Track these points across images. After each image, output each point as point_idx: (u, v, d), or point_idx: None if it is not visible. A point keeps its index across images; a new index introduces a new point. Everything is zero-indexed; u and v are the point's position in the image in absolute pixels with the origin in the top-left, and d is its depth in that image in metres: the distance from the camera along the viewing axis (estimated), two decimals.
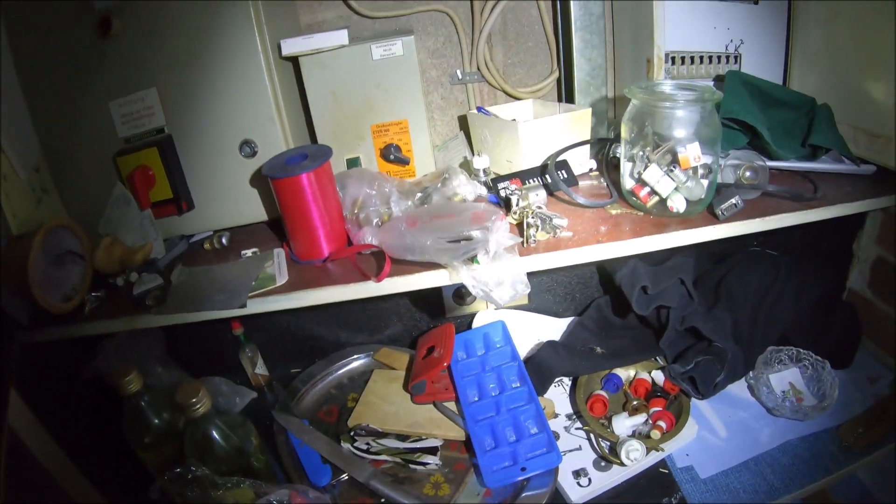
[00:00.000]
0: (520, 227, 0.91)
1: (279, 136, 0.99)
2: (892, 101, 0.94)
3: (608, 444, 1.04)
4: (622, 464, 0.99)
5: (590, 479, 1.00)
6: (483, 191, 1.01)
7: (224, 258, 1.02)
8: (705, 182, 0.90)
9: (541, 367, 1.11)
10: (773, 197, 0.95)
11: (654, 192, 0.93)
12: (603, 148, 1.10)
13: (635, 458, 0.98)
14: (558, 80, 1.24)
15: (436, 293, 1.27)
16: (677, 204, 0.91)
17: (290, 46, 1.00)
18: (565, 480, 1.00)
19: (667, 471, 1.02)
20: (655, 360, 1.17)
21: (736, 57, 1.15)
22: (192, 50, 0.98)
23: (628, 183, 0.97)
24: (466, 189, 0.97)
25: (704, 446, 1.05)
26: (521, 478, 0.95)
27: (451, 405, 1.08)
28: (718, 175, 0.92)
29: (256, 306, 0.89)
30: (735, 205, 0.90)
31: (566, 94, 1.21)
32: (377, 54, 1.01)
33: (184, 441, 0.96)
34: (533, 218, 0.90)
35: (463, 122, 1.27)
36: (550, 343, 1.16)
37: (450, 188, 0.96)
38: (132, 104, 1.02)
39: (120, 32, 0.98)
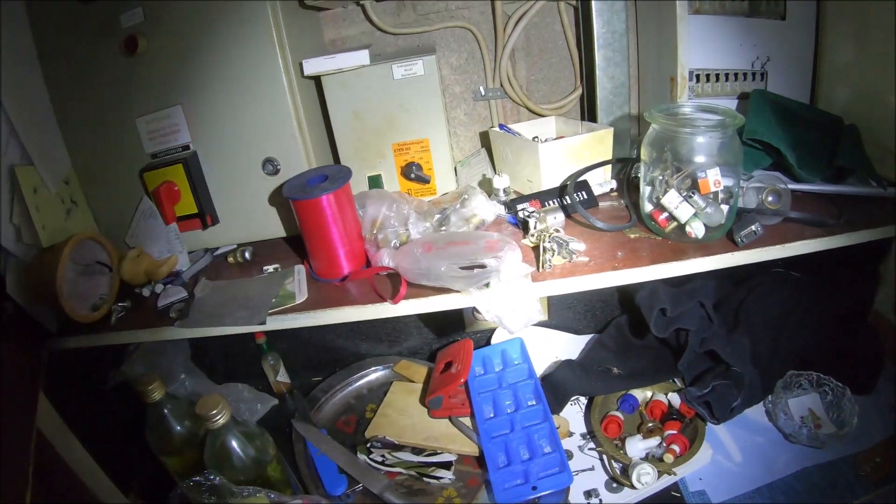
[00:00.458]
0: (536, 251, 0.92)
1: (301, 154, 1.02)
2: None
3: (620, 465, 1.05)
4: (633, 486, 1.00)
5: (601, 501, 1.02)
6: (502, 211, 1.02)
7: (247, 272, 1.06)
8: (725, 207, 0.90)
9: (557, 387, 1.12)
10: (796, 222, 0.93)
11: (672, 218, 0.93)
12: (624, 168, 1.11)
13: (646, 483, 0.99)
14: (581, 97, 1.24)
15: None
16: (696, 230, 0.91)
17: (312, 66, 1.03)
18: (576, 500, 1.02)
19: (679, 494, 1.02)
20: (672, 381, 1.18)
21: (762, 74, 1.14)
22: (217, 69, 1.02)
23: (647, 207, 0.97)
24: (485, 210, 0.99)
25: (718, 471, 1.06)
26: (532, 497, 0.97)
27: (467, 420, 1.11)
28: (740, 198, 0.92)
29: (276, 323, 0.92)
30: (754, 232, 0.90)
31: (589, 111, 1.21)
32: (398, 74, 1.04)
33: (204, 450, 0.99)
34: (549, 242, 0.91)
35: (485, 139, 1.29)
36: (568, 362, 1.18)
37: (469, 209, 0.98)
38: (158, 121, 1.06)
39: (146, 51, 1.02)
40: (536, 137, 1.16)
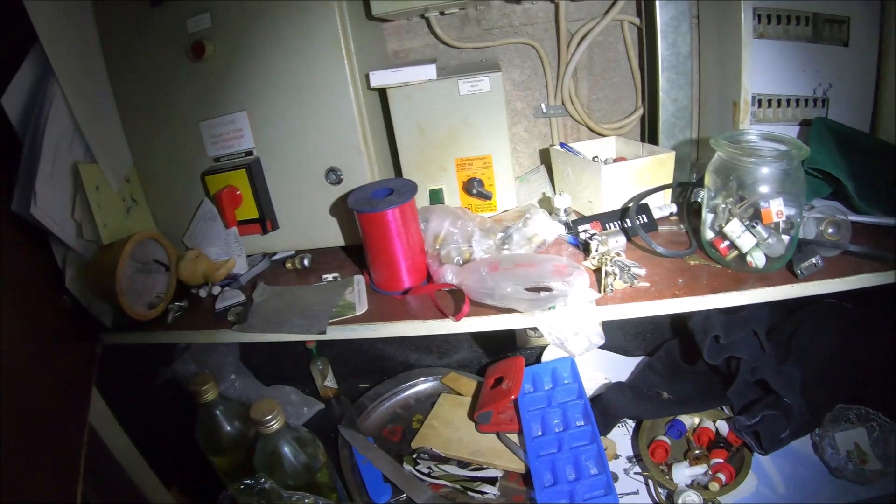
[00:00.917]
0: (597, 273, 0.93)
1: (365, 166, 1.04)
2: None
3: (666, 491, 1.06)
4: None
5: None
6: (562, 230, 1.03)
7: (304, 279, 1.08)
8: (786, 238, 0.91)
9: (606, 408, 1.14)
10: (855, 255, 0.94)
11: (734, 246, 0.94)
12: (684, 192, 1.12)
13: None
14: (642, 118, 1.25)
15: None
16: (757, 260, 0.92)
17: (379, 78, 1.04)
18: None
19: None
20: (721, 409, 1.18)
21: (824, 101, 1.14)
22: (283, 77, 1.04)
23: (709, 234, 0.98)
24: (547, 230, 1.00)
25: (762, 501, 1.06)
26: None
27: (514, 437, 1.12)
28: (800, 229, 0.92)
29: (335, 333, 0.95)
30: (815, 265, 0.90)
31: (649, 133, 1.22)
32: (464, 89, 1.05)
33: (254, 453, 1.01)
34: (612, 266, 0.92)
35: (545, 156, 1.30)
36: (619, 384, 1.19)
37: (530, 228, 1.00)
38: (222, 126, 1.08)
39: (212, 56, 1.03)
40: (596, 157, 1.17)
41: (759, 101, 1.12)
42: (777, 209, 0.90)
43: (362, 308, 0.96)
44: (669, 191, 1.12)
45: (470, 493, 1.08)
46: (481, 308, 0.92)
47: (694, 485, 1.07)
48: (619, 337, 1.35)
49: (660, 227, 1.09)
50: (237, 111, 1.07)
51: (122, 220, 1.13)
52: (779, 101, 1.14)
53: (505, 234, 1.00)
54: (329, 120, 1.04)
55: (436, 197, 1.12)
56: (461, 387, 1.27)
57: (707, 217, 0.99)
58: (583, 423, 1.13)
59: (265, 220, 1.09)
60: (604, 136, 1.26)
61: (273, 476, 0.98)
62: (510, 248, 0.99)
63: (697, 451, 1.13)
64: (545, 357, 1.29)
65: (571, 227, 1.05)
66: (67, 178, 1.06)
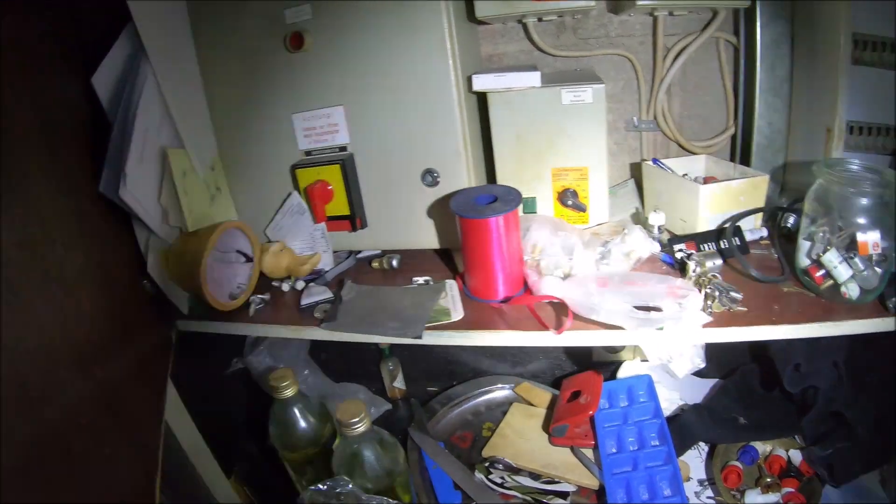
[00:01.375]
0: None
1: (463, 170, 1.05)
2: None
3: None
4: None
5: None
6: (657, 248, 1.03)
7: (391, 280, 1.09)
8: (879, 270, 0.91)
9: (683, 430, 1.15)
10: None
11: (829, 276, 0.94)
12: (775, 216, 1.12)
13: None
14: (732, 138, 1.25)
15: None
16: (851, 291, 0.93)
17: (482, 82, 1.05)
18: None
19: None
20: (794, 438, 1.19)
21: None
22: (384, 73, 1.04)
23: (804, 261, 0.98)
24: (643, 247, 1.00)
25: None
26: None
27: (588, 453, 1.12)
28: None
29: (430, 339, 0.95)
30: None
31: (741, 153, 1.22)
32: (567, 99, 1.05)
33: (334, 454, 1.02)
34: (711, 288, 0.92)
35: (633, 170, 1.30)
36: (696, 407, 1.20)
37: (628, 244, 0.99)
38: (316, 119, 1.08)
39: (311, 48, 1.03)
40: (686, 175, 1.17)
41: (852, 127, 1.12)
42: (874, 241, 0.91)
43: (458, 314, 0.97)
44: (760, 214, 1.13)
45: None
46: (581, 323, 0.92)
47: None
48: None
49: (751, 251, 1.09)
50: (333, 105, 1.07)
51: (206, 208, 1.14)
52: (869, 130, 1.14)
53: (605, 249, 1.00)
54: (429, 121, 1.04)
55: (530, 206, 1.12)
56: (534, 397, 1.28)
57: (803, 244, 0.99)
58: (658, 444, 1.13)
59: (355, 218, 1.10)
60: (693, 153, 1.26)
61: (352, 478, 0.99)
62: (608, 264, 0.99)
63: (769, 479, 1.14)
64: (621, 373, 1.30)
65: (665, 245, 1.05)
66: (155, 163, 1.07)
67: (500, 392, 1.36)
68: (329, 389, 1.30)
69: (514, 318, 0.96)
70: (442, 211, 1.08)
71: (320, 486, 0.97)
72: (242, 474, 1.26)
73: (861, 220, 0.91)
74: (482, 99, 1.10)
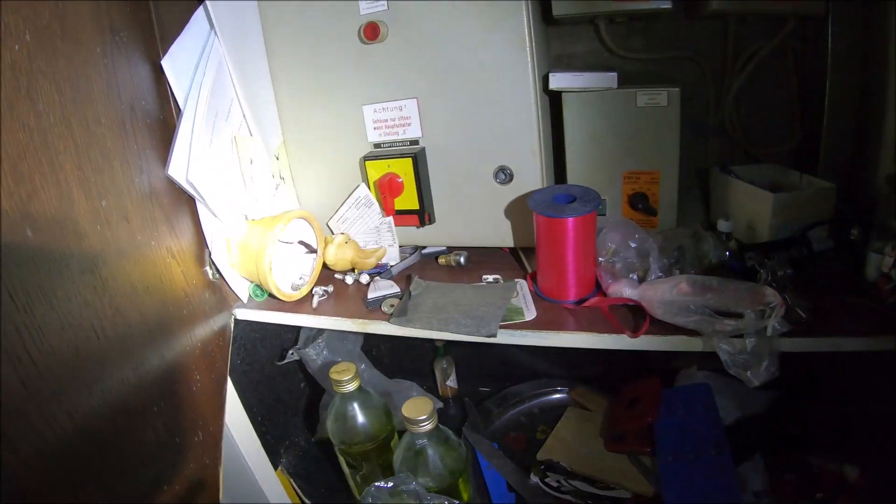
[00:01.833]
0: None
1: (538, 169, 1.06)
2: None
3: None
4: None
5: None
6: (726, 255, 1.04)
7: (458, 277, 1.09)
8: None
9: (741, 440, 1.15)
10: None
11: None
12: (840, 227, 1.13)
13: None
14: (798, 145, 1.26)
15: None
16: None
17: (558, 81, 1.06)
18: None
19: None
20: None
21: None
22: (460, 69, 1.05)
23: (872, 274, 0.99)
24: (716, 253, 1.01)
25: None
26: None
27: (645, 460, 1.13)
28: None
29: (503, 338, 0.96)
30: None
31: (807, 163, 1.23)
32: (642, 101, 1.07)
33: (396, 450, 1.03)
34: (783, 297, 0.93)
35: (698, 175, 1.30)
36: (754, 417, 1.20)
37: (701, 250, 1.00)
38: (388, 111, 1.09)
39: (386, 40, 1.04)
40: (752, 182, 1.18)
41: None
42: None
43: (531, 314, 0.98)
44: (827, 225, 1.14)
45: None
46: (657, 327, 0.93)
47: None
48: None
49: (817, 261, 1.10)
50: (407, 98, 1.08)
51: (270, 197, 1.15)
52: None
53: (679, 253, 1.01)
54: (505, 118, 1.05)
55: (601, 207, 1.12)
56: (590, 402, 1.29)
57: (872, 257, 1.00)
58: (716, 453, 1.14)
59: (424, 213, 1.11)
60: (759, 159, 1.27)
61: (414, 476, 1.00)
62: (682, 269, 1.00)
63: (820, 495, 1.14)
64: (678, 381, 1.30)
65: (735, 252, 1.06)
66: (223, 149, 1.07)
67: (554, 395, 1.37)
68: (382, 385, 1.31)
69: (587, 319, 0.97)
70: (513, 209, 1.09)
71: (384, 485, 0.97)
72: (289, 466, 1.27)
73: None
74: (555, 98, 1.11)
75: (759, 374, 0.91)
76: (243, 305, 1.13)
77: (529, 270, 1.10)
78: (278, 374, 1.26)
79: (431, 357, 1.35)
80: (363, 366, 1.29)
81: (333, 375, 1.07)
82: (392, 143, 1.12)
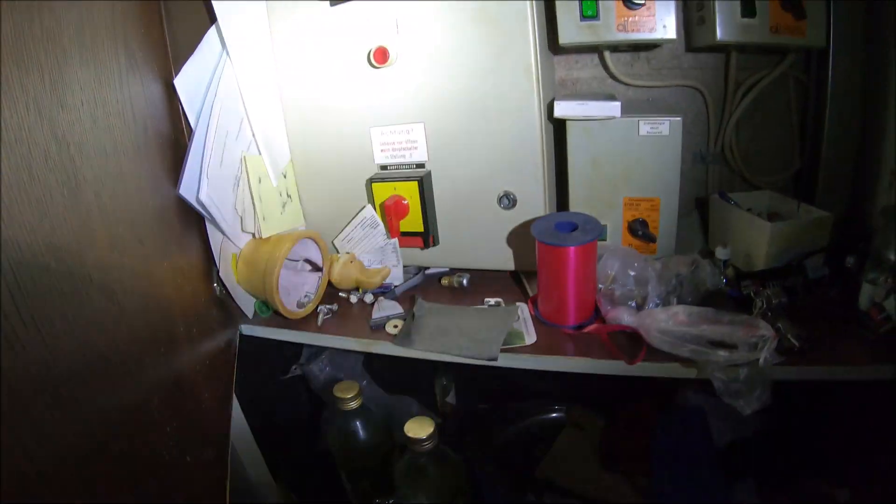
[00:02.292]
0: None
1: (541, 195, 1.10)
2: None
3: None
4: None
5: None
6: (722, 283, 1.08)
7: (460, 299, 1.13)
8: None
9: (735, 463, 1.18)
10: None
11: (888, 319, 0.99)
12: (836, 256, 1.16)
13: None
14: (797, 174, 1.30)
15: None
16: None
17: (563, 109, 1.10)
18: None
19: None
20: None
21: None
22: (468, 95, 1.09)
23: (865, 304, 1.03)
24: (713, 281, 1.05)
25: None
26: None
27: (640, 480, 1.17)
28: None
29: (503, 361, 1.00)
30: None
31: (805, 191, 1.27)
32: (644, 130, 1.10)
33: (397, 467, 1.06)
34: (777, 326, 0.97)
35: (696, 203, 1.34)
36: (748, 440, 1.24)
37: (698, 277, 1.04)
38: (395, 135, 1.13)
39: (394, 64, 1.07)
40: (750, 209, 1.22)
41: None
42: None
43: (531, 338, 1.02)
44: (823, 253, 1.17)
45: None
46: (654, 355, 0.97)
47: None
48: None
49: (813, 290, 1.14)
50: (414, 122, 1.12)
51: (277, 215, 1.18)
52: None
53: (677, 282, 1.05)
54: (510, 144, 1.09)
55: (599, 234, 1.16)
56: (587, 422, 1.32)
57: (866, 287, 1.04)
58: (710, 476, 1.17)
59: (428, 235, 1.14)
60: (757, 187, 1.31)
61: (415, 494, 1.04)
62: (680, 296, 1.04)
63: None
64: (673, 403, 1.34)
65: (732, 279, 1.10)
66: (233, 168, 1.10)
67: (552, 414, 1.40)
68: (383, 401, 1.35)
69: (585, 345, 1.01)
70: (516, 234, 1.13)
71: (385, 501, 1.01)
72: (289, 480, 1.31)
73: None
74: (559, 126, 1.15)
75: (751, 403, 0.95)
76: (249, 321, 1.17)
77: (531, 294, 1.14)
78: (280, 388, 1.30)
79: (431, 373, 1.38)
80: (364, 382, 1.33)
81: (338, 393, 1.11)
82: (398, 166, 1.16)
